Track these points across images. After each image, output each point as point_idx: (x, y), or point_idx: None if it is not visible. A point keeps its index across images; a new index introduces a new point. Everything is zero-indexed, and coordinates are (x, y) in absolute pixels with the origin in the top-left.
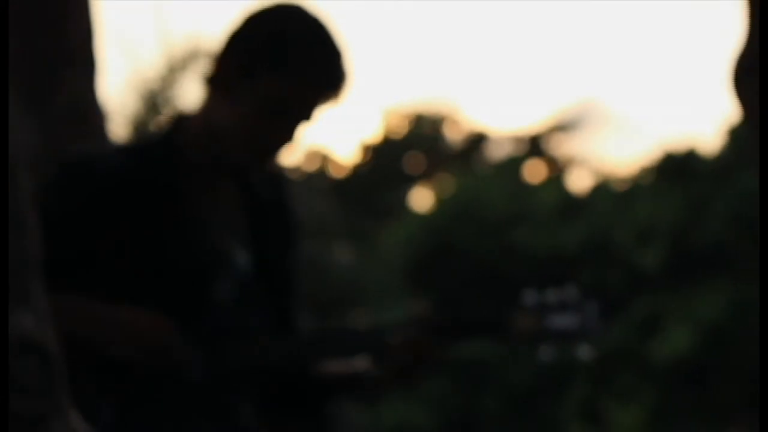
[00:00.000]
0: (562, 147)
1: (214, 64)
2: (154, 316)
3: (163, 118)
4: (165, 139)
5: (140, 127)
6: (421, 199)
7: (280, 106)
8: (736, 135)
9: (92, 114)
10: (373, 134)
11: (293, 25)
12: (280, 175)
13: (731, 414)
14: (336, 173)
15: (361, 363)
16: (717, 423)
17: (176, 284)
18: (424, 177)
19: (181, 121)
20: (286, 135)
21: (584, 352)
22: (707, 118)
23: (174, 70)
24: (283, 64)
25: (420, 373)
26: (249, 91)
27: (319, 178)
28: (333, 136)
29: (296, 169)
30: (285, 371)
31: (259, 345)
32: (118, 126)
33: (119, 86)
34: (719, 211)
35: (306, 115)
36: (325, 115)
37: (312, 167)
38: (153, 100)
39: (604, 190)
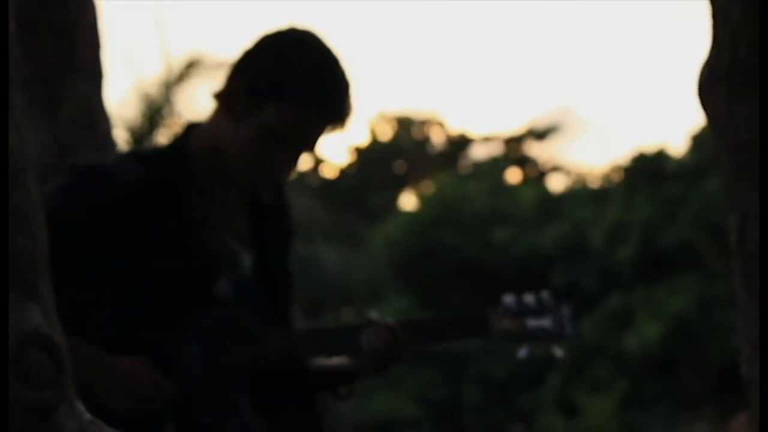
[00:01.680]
0: (540, 150)
1: (224, 82)
2: (136, 366)
3: (172, 126)
4: (175, 147)
5: (140, 134)
6: (407, 200)
7: (283, 135)
8: (702, 140)
9: (99, 121)
10: (362, 138)
11: (301, 57)
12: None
13: (698, 402)
14: (327, 174)
15: (341, 359)
16: (684, 410)
17: (181, 284)
18: (409, 179)
19: (192, 130)
20: (288, 162)
21: (559, 351)
22: (676, 125)
23: (175, 79)
24: (288, 95)
25: (388, 364)
26: (254, 117)
27: (310, 179)
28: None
29: None
30: (280, 367)
31: (256, 341)
32: (120, 133)
33: (121, 94)
34: (687, 212)
35: (309, 144)
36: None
37: (304, 167)
38: (154, 109)
39: (579, 192)
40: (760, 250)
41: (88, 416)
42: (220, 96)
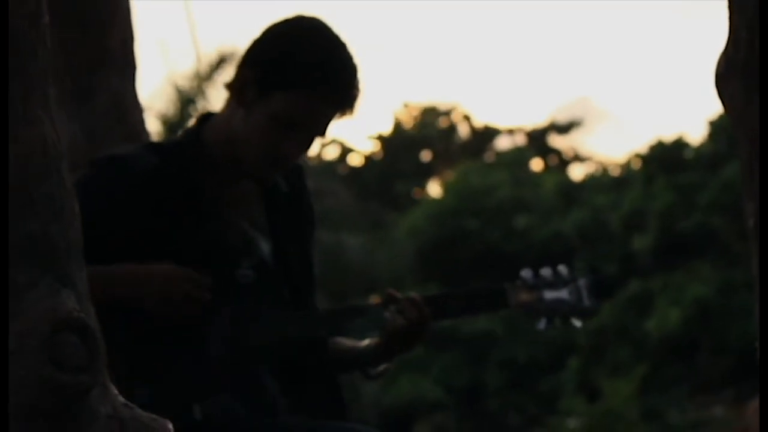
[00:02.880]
0: (562, 140)
1: (235, 73)
2: (169, 268)
3: (193, 117)
4: (189, 138)
5: (172, 125)
6: (432, 189)
7: (292, 121)
8: (720, 129)
9: (131, 112)
10: (388, 127)
11: (307, 44)
12: (298, 167)
13: (716, 385)
14: (353, 163)
15: (370, 340)
16: (702, 393)
17: (203, 271)
18: (435, 168)
19: (206, 120)
20: (298, 148)
21: (577, 322)
22: (694, 114)
23: (206, 72)
24: (295, 82)
25: (415, 340)
26: (263, 105)
27: (337, 167)
28: (351, 128)
29: (316, 158)
30: (300, 347)
31: (278, 324)
32: (153, 124)
33: (153, 86)
34: (705, 199)
35: (318, 130)
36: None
37: (331, 156)
38: (186, 100)
39: (599, 180)
40: None
41: (121, 399)
42: (230, 86)
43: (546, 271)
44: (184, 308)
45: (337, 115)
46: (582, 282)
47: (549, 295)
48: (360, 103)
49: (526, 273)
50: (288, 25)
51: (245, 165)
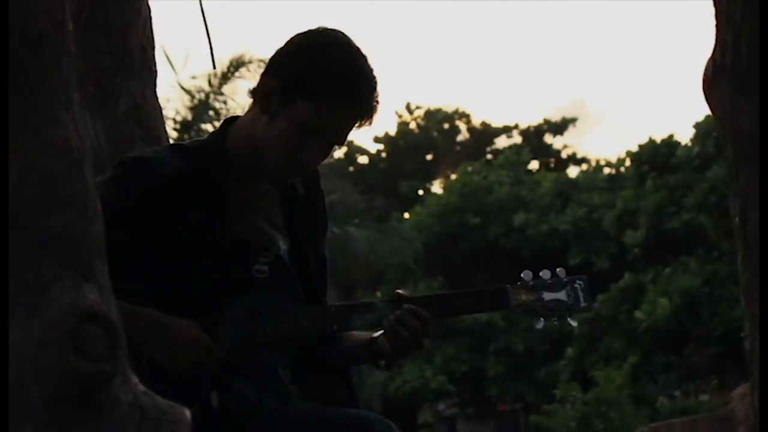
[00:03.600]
0: (557, 140)
1: (259, 81)
2: (188, 327)
3: (218, 121)
4: (214, 141)
5: (187, 128)
6: (435, 187)
7: (313, 130)
8: (706, 132)
9: (151, 115)
10: (394, 128)
11: (330, 56)
12: (314, 171)
13: (702, 373)
14: (360, 162)
15: (376, 333)
16: (690, 381)
17: (222, 267)
18: (437, 167)
19: (230, 124)
20: (317, 155)
21: (574, 322)
22: (682, 116)
23: (221, 77)
24: (318, 92)
25: (423, 339)
26: (286, 113)
27: (345, 166)
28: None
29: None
30: (313, 340)
31: (292, 318)
32: (170, 126)
33: (171, 90)
34: (693, 197)
35: (338, 138)
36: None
37: (338, 154)
38: (201, 104)
39: (593, 179)
40: (760, 232)
41: (141, 387)
42: (255, 94)
43: (545, 273)
44: (188, 369)
45: (356, 124)
46: (579, 284)
47: (548, 296)
48: (378, 114)
49: (526, 275)
50: (312, 37)
51: (266, 169)
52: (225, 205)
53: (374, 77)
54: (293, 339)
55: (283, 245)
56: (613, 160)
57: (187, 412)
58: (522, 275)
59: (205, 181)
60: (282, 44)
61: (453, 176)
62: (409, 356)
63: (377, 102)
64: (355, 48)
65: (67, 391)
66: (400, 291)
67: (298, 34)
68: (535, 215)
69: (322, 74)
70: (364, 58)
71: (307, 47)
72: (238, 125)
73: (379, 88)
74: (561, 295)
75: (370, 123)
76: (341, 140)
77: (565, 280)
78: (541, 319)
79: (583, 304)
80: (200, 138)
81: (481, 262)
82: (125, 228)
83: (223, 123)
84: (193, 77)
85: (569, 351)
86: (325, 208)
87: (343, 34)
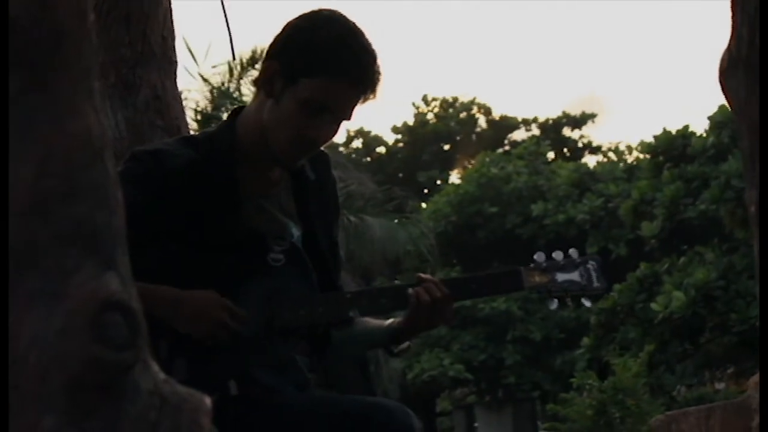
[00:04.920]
0: (575, 132)
1: (261, 67)
2: (209, 294)
3: (226, 112)
4: (223, 131)
5: (208, 119)
6: (453, 177)
7: (319, 106)
8: (721, 123)
9: (171, 106)
10: (410, 119)
11: (327, 33)
12: (325, 156)
13: (718, 363)
14: (377, 151)
15: (393, 318)
16: (706, 370)
17: (237, 255)
18: (455, 157)
19: (237, 115)
20: (325, 131)
21: (587, 302)
22: (701, 106)
23: (240, 69)
24: (319, 68)
25: (438, 318)
26: (290, 93)
27: (362, 155)
28: (375, 118)
29: (342, 146)
30: (329, 326)
31: (305, 304)
32: (189, 116)
33: (191, 81)
34: (710, 188)
35: (344, 114)
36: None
37: (356, 144)
38: (220, 95)
39: (610, 169)
40: None
41: (162, 375)
42: (258, 80)
43: (558, 255)
44: (214, 333)
45: (361, 98)
46: (592, 265)
47: (561, 277)
48: (381, 87)
49: (539, 256)
50: (308, 17)
51: (276, 151)
52: (237, 193)
53: (373, 50)
54: (310, 326)
55: (296, 232)
56: (629, 150)
57: (207, 400)
58: (535, 257)
59: (216, 170)
60: (279, 29)
61: (471, 166)
62: (428, 329)
63: (379, 73)
64: (352, 23)
65: (88, 379)
66: (420, 275)
67: (295, 18)
68: (553, 205)
69: (321, 50)
70: (361, 32)
71: (305, 27)
72: (245, 114)
73: (379, 60)
74: (574, 276)
75: (374, 95)
76: (347, 114)
77: (578, 261)
78: (555, 300)
79: (596, 285)
80: (209, 129)
81: (499, 251)
82: (139, 220)
83: (230, 114)
84: (214, 66)
85: (586, 340)
86: (337, 194)
87: (338, 11)
